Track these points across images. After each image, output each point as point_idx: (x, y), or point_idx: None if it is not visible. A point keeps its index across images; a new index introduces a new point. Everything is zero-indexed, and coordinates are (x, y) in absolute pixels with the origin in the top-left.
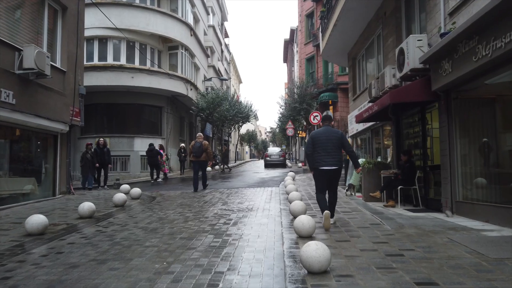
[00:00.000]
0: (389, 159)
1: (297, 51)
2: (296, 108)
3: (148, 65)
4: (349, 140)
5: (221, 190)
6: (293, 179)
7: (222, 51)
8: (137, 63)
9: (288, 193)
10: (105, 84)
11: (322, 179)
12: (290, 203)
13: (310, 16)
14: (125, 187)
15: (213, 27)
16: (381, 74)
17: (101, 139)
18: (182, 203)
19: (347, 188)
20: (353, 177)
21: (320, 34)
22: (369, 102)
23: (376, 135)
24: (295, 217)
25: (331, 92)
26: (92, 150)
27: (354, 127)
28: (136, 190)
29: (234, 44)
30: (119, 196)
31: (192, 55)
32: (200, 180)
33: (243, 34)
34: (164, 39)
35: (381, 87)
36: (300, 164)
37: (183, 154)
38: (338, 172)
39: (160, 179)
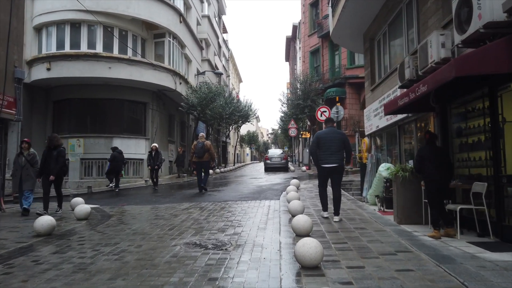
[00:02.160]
0: None
1: (300, 47)
2: (300, 105)
3: (129, 54)
4: (366, 140)
5: (204, 204)
6: (298, 188)
7: (219, 46)
8: (115, 52)
9: (292, 214)
10: (78, 75)
11: (324, 175)
12: (296, 234)
13: (314, 4)
14: (78, 201)
15: (208, 17)
16: (421, 45)
17: (49, 135)
18: (137, 230)
19: (366, 200)
20: (373, 187)
21: (330, 10)
22: (400, 87)
23: (405, 133)
24: (303, 267)
25: (338, 88)
26: (30, 151)
27: (372, 124)
28: (82, 209)
29: (234, 42)
30: (42, 221)
31: (182, 45)
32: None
33: (244, 34)
34: (149, 25)
35: (422, 64)
36: (304, 168)
37: (157, 165)
38: (339, 168)
39: (117, 188)
